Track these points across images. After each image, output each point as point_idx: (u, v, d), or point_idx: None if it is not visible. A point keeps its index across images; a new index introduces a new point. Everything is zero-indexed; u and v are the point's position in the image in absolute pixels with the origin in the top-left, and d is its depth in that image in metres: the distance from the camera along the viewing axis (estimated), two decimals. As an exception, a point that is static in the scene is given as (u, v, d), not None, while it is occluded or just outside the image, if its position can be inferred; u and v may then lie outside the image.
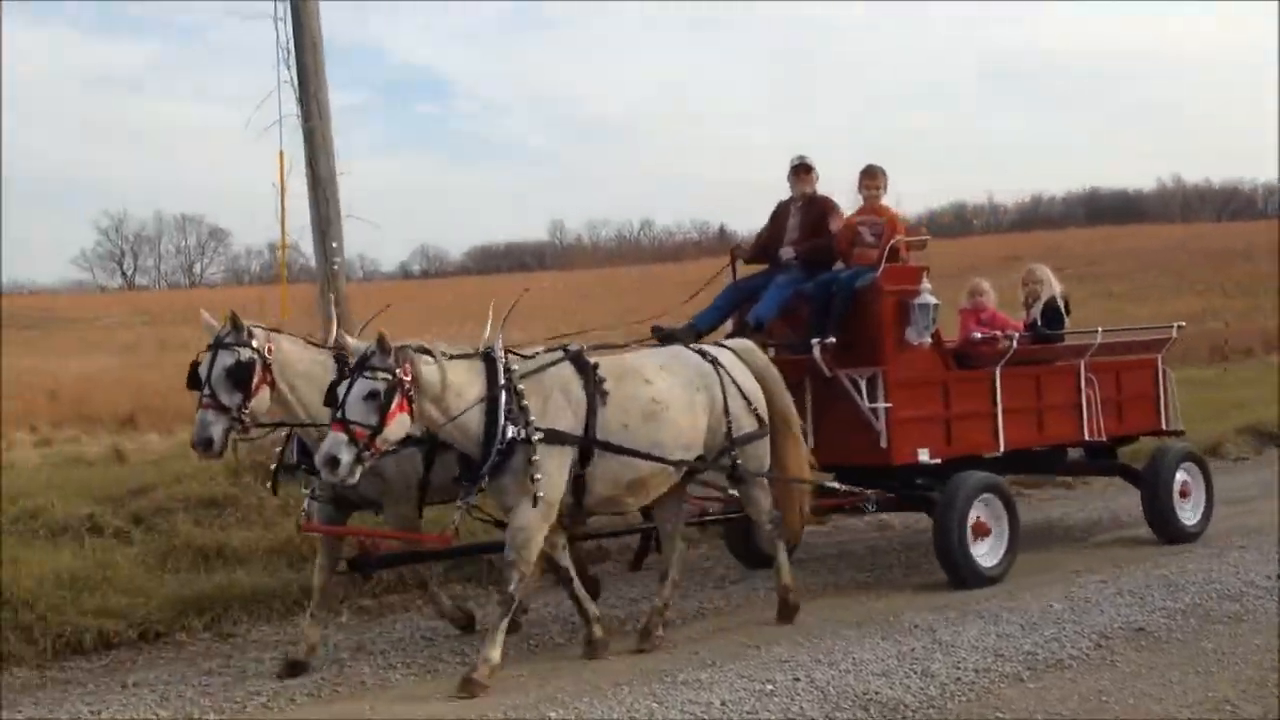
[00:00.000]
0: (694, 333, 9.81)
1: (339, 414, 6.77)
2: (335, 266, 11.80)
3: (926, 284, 9.59)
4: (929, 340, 9.67)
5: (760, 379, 8.54)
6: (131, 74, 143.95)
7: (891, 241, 9.73)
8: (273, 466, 7.88)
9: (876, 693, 6.93)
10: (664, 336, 9.68)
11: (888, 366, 9.57)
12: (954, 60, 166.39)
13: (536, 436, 7.23)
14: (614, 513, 8.32)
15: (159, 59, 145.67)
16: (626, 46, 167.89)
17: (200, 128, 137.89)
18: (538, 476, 7.22)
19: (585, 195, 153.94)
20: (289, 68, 11.75)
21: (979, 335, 10.52)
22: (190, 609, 8.96)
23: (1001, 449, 10.28)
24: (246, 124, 11.69)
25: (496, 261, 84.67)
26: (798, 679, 7.20)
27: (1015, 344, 10.26)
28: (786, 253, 10.12)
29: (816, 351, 9.42)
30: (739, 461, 8.25)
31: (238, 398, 7.20)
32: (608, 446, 7.55)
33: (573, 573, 7.93)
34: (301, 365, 7.44)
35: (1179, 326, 11.93)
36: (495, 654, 7.23)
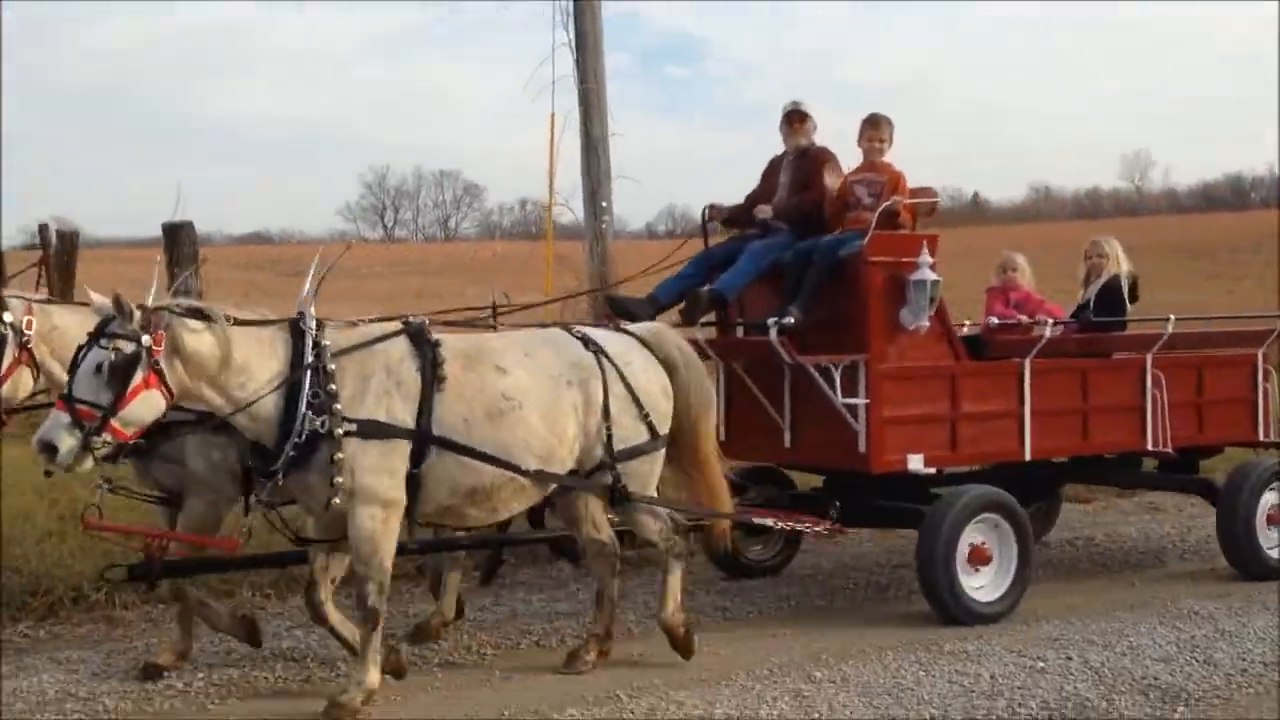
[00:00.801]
0: (654, 306, 8.38)
1: (66, 390, 5.64)
2: (604, 225, 12.35)
3: (926, 256, 7.88)
4: (926, 324, 7.97)
5: (673, 375, 7.02)
6: (402, 35, 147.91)
7: (888, 203, 8.06)
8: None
9: (1155, 678, 6.79)
10: (619, 309, 8.29)
11: (871, 354, 7.93)
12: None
13: (342, 429, 5.94)
14: (456, 527, 6.93)
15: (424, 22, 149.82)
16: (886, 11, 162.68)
17: (460, 88, 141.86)
18: (338, 479, 5.94)
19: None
20: (567, 31, 12.43)
21: (994, 321, 8.75)
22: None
23: (1028, 456, 8.53)
24: (524, 86, 12.37)
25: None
26: (1070, 658, 7.10)
27: (1049, 331, 8.48)
28: (763, 211, 8.54)
29: (773, 334, 7.84)
30: (617, 480, 6.74)
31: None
32: (442, 443, 6.20)
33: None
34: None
35: (1290, 317, 9.89)
36: (370, 676, 6.05)
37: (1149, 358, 8.92)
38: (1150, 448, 8.99)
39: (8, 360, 6.10)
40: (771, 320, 7.84)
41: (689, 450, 7.08)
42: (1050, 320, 8.58)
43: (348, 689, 6.08)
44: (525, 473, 6.37)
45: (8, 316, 6.20)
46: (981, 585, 7.97)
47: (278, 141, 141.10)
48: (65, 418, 5.54)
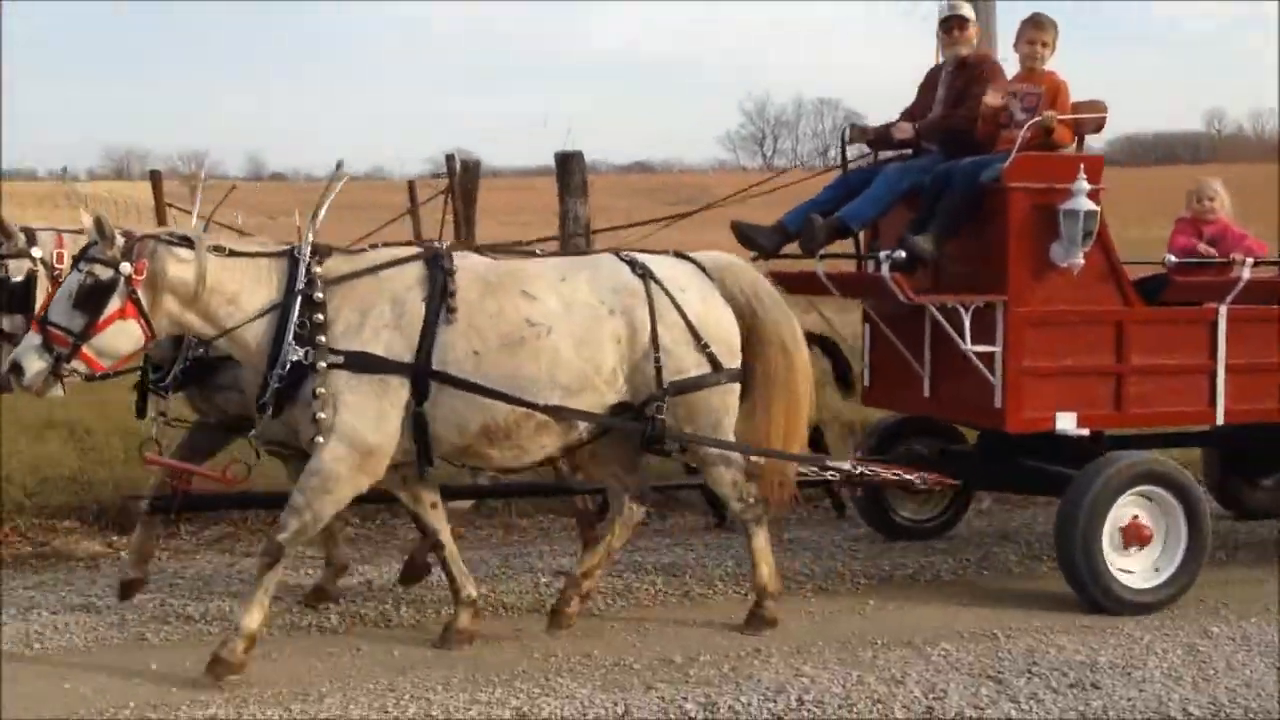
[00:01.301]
0: (780, 234, 7.51)
1: (42, 312, 5.47)
2: None
3: (1083, 182, 6.69)
4: (1080, 261, 6.78)
5: (746, 306, 6.25)
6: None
7: (1036, 118, 6.89)
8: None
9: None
10: (742, 236, 7.51)
11: (1010, 295, 6.82)
12: None
13: (325, 361, 5.52)
14: (477, 466, 6.34)
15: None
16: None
17: (844, 16, 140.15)
18: (321, 415, 5.53)
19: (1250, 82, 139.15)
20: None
21: (1172, 258, 7.36)
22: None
23: (1220, 420, 7.20)
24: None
25: (1144, 153, 78.90)
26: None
27: (1247, 272, 7.08)
28: (902, 131, 7.51)
29: (885, 268, 6.85)
30: (661, 416, 6.00)
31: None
32: (440, 378, 5.67)
33: (446, 538, 6.18)
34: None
35: None
36: (252, 621, 5.62)
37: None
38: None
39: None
40: (884, 253, 6.87)
41: (763, 399, 6.29)
42: (1251, 259, 7.15)
43: (229, 639, 5.65)
44: (542, 408, 5.77)
45: (37, 251, 6.11)
46: (1135, 569, 6.80)
47: (661, 71, 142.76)
48: (37, 339, 5.38)
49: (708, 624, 6.55)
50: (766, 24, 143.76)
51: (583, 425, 5.96)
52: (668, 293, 6.00)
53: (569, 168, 10.06)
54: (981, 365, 6.86)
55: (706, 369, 6.05)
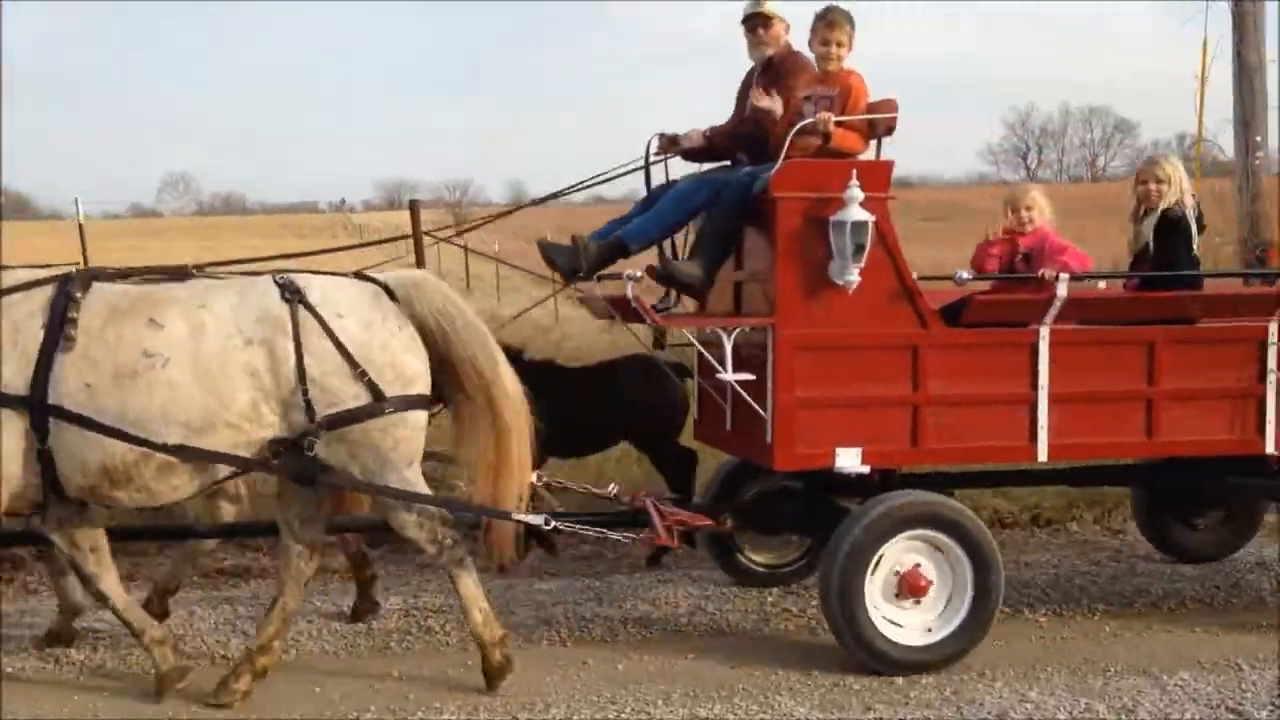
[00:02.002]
0: (576, 253, 6.92)
1: None
2: (1257, 161, 11.66)
3: (855, 190, 5.99)
4: (855, 278, 6.07)
5: (436, 329, 5.72)
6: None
7: (805, 120, 6.21)
8: None
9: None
10: (545, 256, 6.98)
11: (778, 318, 6.15)
12: None
13: None
14: (111, 506, 5.81)
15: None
16: None
17: (1111, 19, 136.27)
18: None
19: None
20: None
21: (964, 275, 6.52)
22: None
23: (1043, 456, 6.38)
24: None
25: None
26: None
27: (1063, 289, 6.24)
28: (689, 140, 6.87)
29: (629, 289, 6.24)
30: (313, 454, 5.50)
31: None
32: (54, 412, 5.30)
33: (109, 585, 5.79)
34: None
35: None
36: None
37: (1273, 326, 6.44)
38: (1271, 450, 6.51)
39: None
40: (627, 274, 6.26)
41: (468, 429, 5.79)
42: (1064, 274, 6.29)
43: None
44: (159, 447, 5.34)
45: None
46: (908, 623, 6.06)
47: (920, 83, 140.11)
48: None
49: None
50: (1030, 29, 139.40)
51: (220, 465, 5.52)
52: (320, 319, 5.50)
53: None
54: (748, 396, 6.20)
55: (366, 399, 5.53)
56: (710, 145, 6.87)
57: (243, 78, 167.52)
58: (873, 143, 6.47)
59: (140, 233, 45.70)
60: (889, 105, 6.43)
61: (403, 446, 5.65)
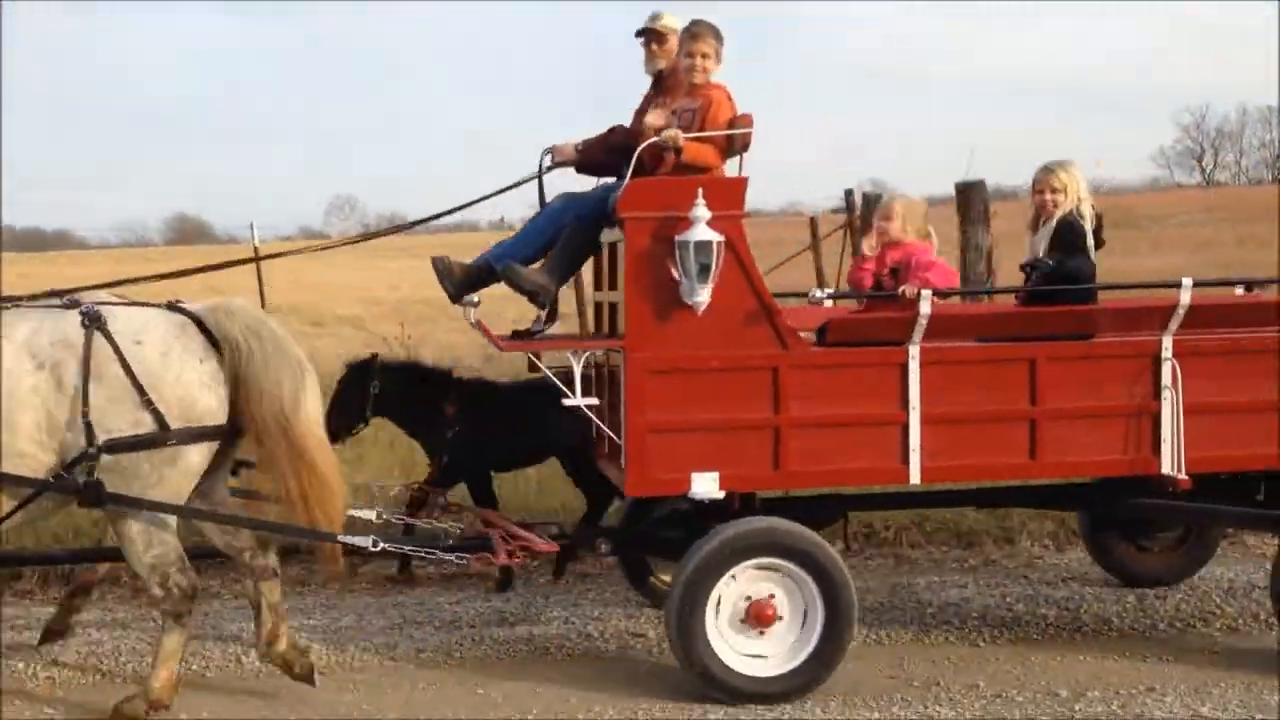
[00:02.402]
0: (441, 276, 6.77)
1: None
2: None
3: (701, 208, 5.82)
4: (703, 299, 5.90)
5: (237, 356, 5.70)
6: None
7: (655, 138, 6.06)
8: None
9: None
10: (437, 275, 6.89)
11: (628, 341, 6.01)
12: None
13: None
14: None
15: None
16: None
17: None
18: None
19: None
20: None
21: (818, 294, 6.29)
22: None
23: (915, 479, 6.13)
24: None
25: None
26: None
27: (926, 306, 5.97)
28: (561, 152, 6.74)
29: (471, 314, 6.16)
30: (94, 478, 5.52)
31: None
32: None
33: None
34: None
35: None
36: None
37: (1167, 340, 6.10)
38: (1164, 471, 6.17)
39: None
40: (467, 299, 6.18)
41: (279, 449, 5.74)
42: (926, 290, 6.01)
43: None
44: None
45: None
46: (757, 653, 5.90)
47: (1073, 89, 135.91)
48: None
49: (1100, 659, 6.46)
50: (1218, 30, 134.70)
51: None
52: (114, 345, 5.53)
53: (969, 198, 10.39)
54: (598, 421, 6.10)
55: (150, 427, 5.53)
56: (582, 159, 6.74)
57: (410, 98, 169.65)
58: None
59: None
60: (745, 120, 6.23)
61: (171, 479, 5.63)
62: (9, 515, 5.63)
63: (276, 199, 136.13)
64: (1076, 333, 6.27)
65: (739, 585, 5.88)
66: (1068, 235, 6.23)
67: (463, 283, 6.47)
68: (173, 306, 5.85)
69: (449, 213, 7.28)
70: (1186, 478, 6.13)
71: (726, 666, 5.84)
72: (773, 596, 5.89)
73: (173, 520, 5.72)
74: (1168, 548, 7.67)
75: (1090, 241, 6.28)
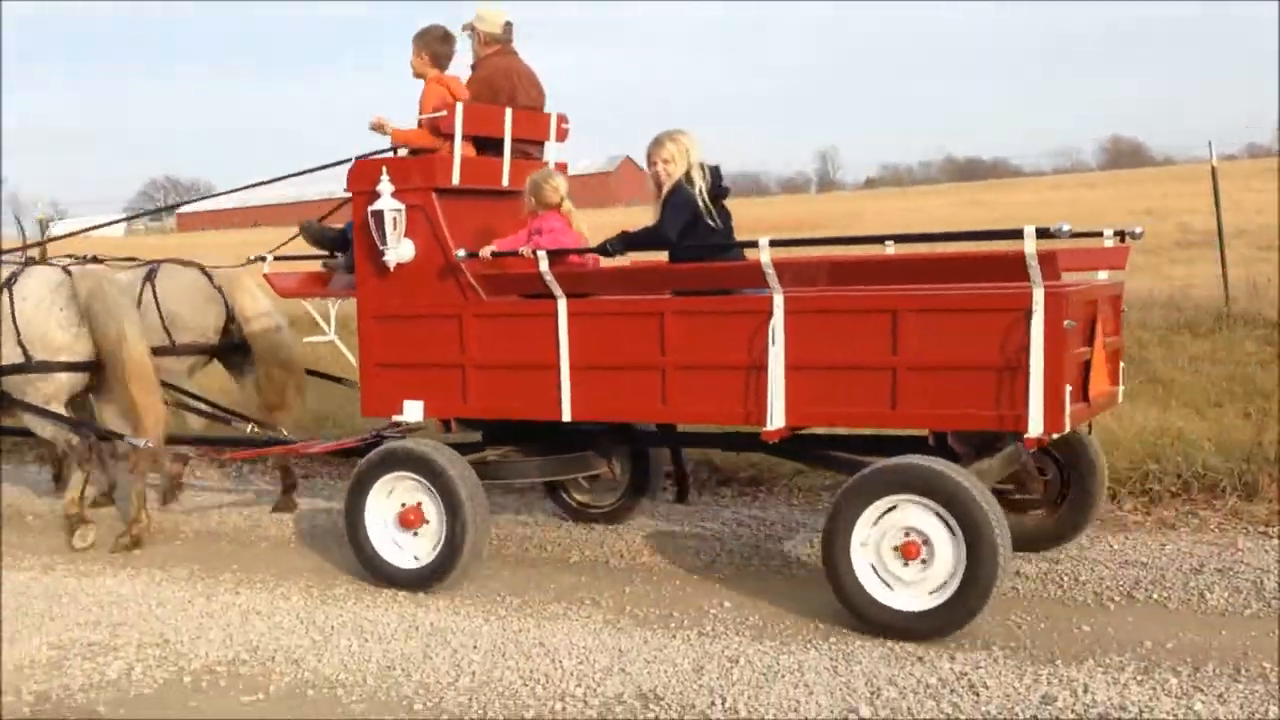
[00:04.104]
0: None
1: None
2: None
3: (384, 183, 7.08)
4: (396, 258, 7.15)
5: (86, 309, 8.01)
6: None
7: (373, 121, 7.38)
8: None
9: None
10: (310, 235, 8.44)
11: (360, 294, 7.43)
12: None
13: None
14: None
15: None
16: None
17: None
18: None
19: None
20: None
21: (461, 253, 7.00)
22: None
23: (567, 415, 6.93)
24: None
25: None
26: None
27: (545, 264, 6.71)
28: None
29: (265, 267, 7.84)
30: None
31: None
32: None
33: None
34: None
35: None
36: None
37: (779, 297, 6.38)
38: (771, 425, 6.42)
39: None
40: (255, 256, 7.91)
41: (112, 375, 8.04)
42: (533, 250, 6.76)
43: None
44: None
45: None
46: (406, 545, 7.20)
47: None
48: None
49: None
50: None
51: None
52: (12, 301, 8.01)
53: None
54: (349, 355, 7.59)
55: (18, 358, 8.02)
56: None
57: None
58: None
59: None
60: (446, 108, 7.27)
61: (43, 391, 8.12)
62: None
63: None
64: (712, 289, 6.63)
65: (399, 494, 7.13)
66: (668, 200, 6.61)
67: (324, 246, 8.21)
68: (65, 270, 8.27)
69: (280, 179, 8.93)
70: (777, 430, 6.34)
71: (389, 562, 7.16)
72: (420, 505, 7.07)
73: (61, 411, 8.25)
74: (1045, 511, 7.36)
75: (701, 203, 6.59)
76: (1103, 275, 6.90)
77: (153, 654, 6.25)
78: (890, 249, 6.93)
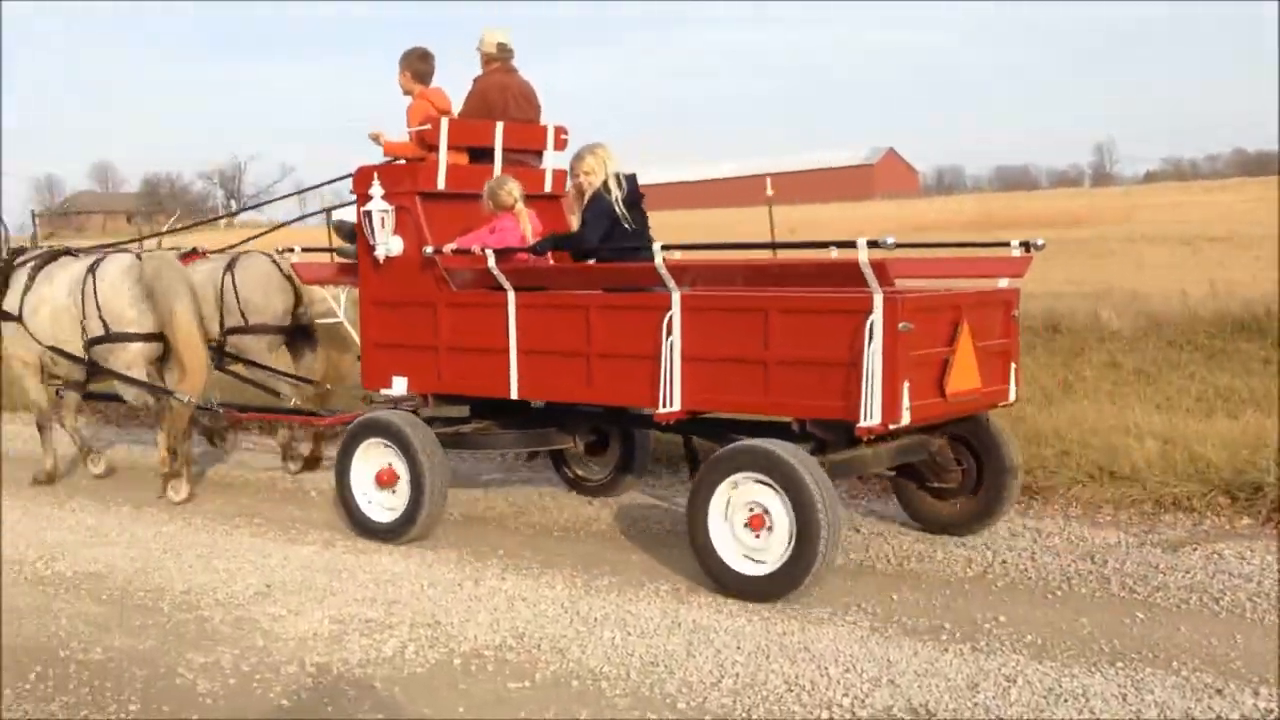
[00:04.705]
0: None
1: None
2: None
3: (375, 187, 8.20)
4: (385, 252, 8.25)
5: (149, 291, 9.33)
6: None
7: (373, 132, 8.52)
8: None
9: None
10: (341, 230, 9.66)
11: (361, 282, 8.56)
12: None
13: None
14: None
15: None
16: None
17: None
18: None
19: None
20: None
21: (429, 249, 7.96)
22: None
23: (514, 394, 7.90)
24: None
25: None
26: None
27: (492, 261, 7.68)
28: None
29: (294, 257, 9.07)
30: (88, 358, 9.62)
31: None
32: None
33: None
34: None
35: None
36: None
37: (677, 295, 7.21)
38: (662, 408, 7.25)
39: None
40: (281, 248, 9.12)
41: (171, 344, 9.41)
42: (480, 248, 7.76)
43: None
44: (51, 349, 9.72)
45: None
46: (383, 504, 8.29)
47: None
48: None
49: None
50: None
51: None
52: (95, 282, 9.42)
53: None
54: (354, 334, 8.75)
55: (102, 331, 9.43)
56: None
57: None
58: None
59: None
60: (431, 122, 8.31)
61: (122, 359, 9.50)
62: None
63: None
64: (634, 286, 7.46)
65: (377, 456, 8.22)
66: (589, 207, 7.49)
67: (350, 238, 9.40)
68: (138, 255, 9.70)
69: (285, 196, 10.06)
70: (672, 413, 7.16)
71: (369, 516, 8.28)
72: (391, 465, 8.16)
73: (141, 376, 9.62)
74: (962, 496, 7.89)
75: (618, 210, 7.43)
76: (1003, 282, 7.42)
77: (425, 634, 6.34)
78: (833, 254, 7.45)
